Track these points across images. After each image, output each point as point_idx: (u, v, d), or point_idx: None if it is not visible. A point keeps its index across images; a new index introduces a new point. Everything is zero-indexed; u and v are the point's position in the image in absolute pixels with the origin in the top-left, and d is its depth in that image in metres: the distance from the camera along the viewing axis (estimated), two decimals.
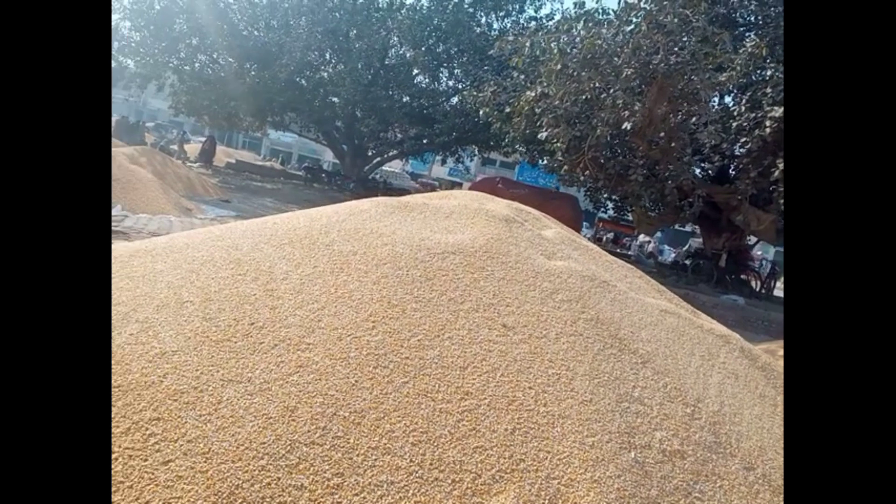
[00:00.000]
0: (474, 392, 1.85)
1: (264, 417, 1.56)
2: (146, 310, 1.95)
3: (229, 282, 2.17)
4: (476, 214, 3.19)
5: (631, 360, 2.34)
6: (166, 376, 1.64)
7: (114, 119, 25.97)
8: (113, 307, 1.95)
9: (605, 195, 13.18)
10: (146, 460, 1.39)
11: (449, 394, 1.81)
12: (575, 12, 8.05)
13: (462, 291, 2.37)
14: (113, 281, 2.15)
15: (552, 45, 7.34)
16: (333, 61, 19.43)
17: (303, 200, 15.47)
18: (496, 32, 17.75)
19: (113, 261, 2.39)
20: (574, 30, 7.41)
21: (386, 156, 22.81)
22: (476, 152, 23.92)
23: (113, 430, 1.45)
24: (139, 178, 8.29)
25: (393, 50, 19.87)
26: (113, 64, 19.68)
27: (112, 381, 1.60)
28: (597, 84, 7.94)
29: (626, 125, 7.05)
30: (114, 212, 6.92)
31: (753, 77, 8.64)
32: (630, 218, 17.34)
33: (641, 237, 22.26)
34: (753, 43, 7.19)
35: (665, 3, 6.61)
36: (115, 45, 18.69)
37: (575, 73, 7.57)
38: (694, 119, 6.94)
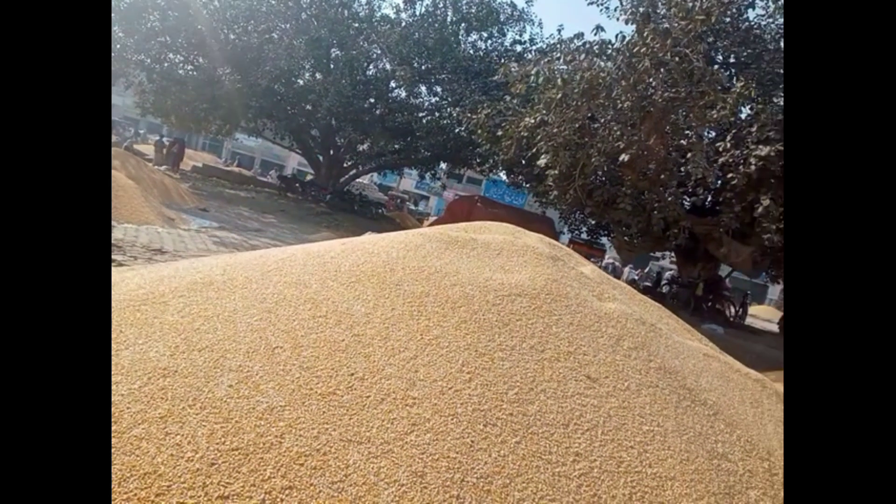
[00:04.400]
0: (584, 453, 1.81)
1: (397, 485, 1.48)
2: (237, 356, 1.83)
3: (313, 325, 2.07)
4: (524, 252, 3.18)
5: (704, 412, 2.35)
6: (284, 436, 1.54)
7: None
8: (200, 352, 1.83)
9: (592, 221, 13.41)
10: None
11: (560, 455, 1.77)
12: (574, 43, 8.22)
13: (539, 339, 2.34)
14: (187, 320, 2.02)
15: (556, 74, 7.46)
16: (312, 70, 19.15)
17: (278, 211, 15.12)
18: (481, 53, 17.92)
19: (171, 293, 2.25)
20: (576, 60, 7.57)
21: (361, 168, 22.53)
22: (445, 168, 23.95)
23: (245, 501, 1.34)
24: (119, 184, 7.88)
25: (374, 63, 19.76)
26: None
27: (226, 442, 1.49)
28: (590, 113, 8.11)
29: (624, 157, 7.22)
30: None
31: (740, 116, 9.01)
32: (602, 241, 17.76)
33: (606, 258, 22.81)
34: (742, 84, 7.50)
35: (667, 41, 6.82)
36: None
37: (574, 103, 7.70)
38: (689, 154, 7.17)
